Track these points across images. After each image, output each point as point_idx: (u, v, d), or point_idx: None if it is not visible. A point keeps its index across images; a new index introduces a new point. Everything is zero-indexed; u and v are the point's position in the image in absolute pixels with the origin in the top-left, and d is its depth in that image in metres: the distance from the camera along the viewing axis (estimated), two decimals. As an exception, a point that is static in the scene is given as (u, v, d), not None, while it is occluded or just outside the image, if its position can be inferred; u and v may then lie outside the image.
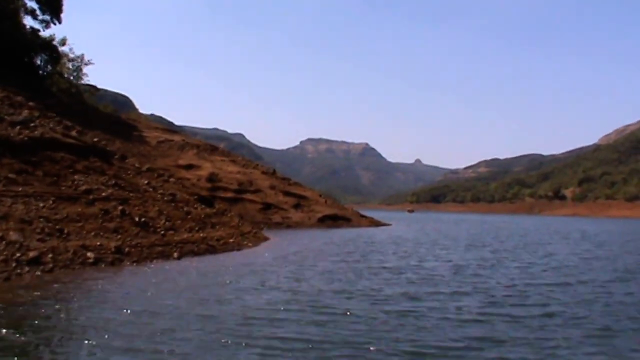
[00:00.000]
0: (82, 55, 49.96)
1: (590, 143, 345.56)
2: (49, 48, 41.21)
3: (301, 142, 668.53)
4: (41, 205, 15.18)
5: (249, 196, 42.46)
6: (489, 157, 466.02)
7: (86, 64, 51.41)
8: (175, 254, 16.23)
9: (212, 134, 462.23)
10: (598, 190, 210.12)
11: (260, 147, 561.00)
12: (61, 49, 48.59)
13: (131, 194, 19.58)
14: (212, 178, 42.33)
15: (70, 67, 51.73)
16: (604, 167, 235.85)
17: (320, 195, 51.06)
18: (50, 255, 12.91)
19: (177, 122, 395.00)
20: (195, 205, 24.34)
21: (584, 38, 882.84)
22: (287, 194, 45.95)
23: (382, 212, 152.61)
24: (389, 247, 22.95)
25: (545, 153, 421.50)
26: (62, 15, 41.58)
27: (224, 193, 41.23)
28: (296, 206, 44.12)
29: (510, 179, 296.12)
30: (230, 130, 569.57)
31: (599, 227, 64.30)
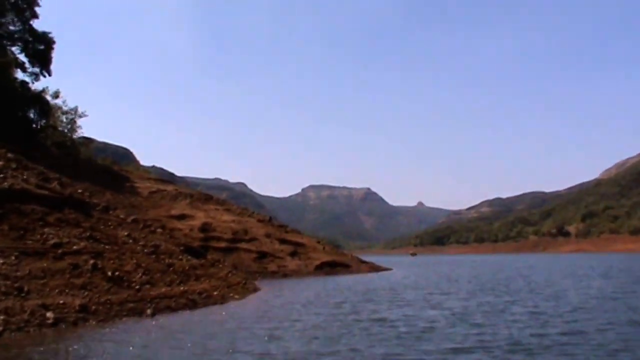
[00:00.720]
0: (76, 107, 49.79)
1: (592, 178, 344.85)
2: (39, 101, 40.97)
3: (303, 189, 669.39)
4: (1, 262, 13.93)
5: (243, 245, 41.06)
6: (491, 197, 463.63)
7: (80, 117, 51.19)
8: (149, 311, 14.81)
9: (213, 184, 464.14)
10: (602, 225, 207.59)
11: (262, 196, 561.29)
12: (54, 101, 48.59)
13: (107, 247, 18.32)
14: (205, 228, 41.08)
15: (64, 119, 51.60)
16: (607, 202, 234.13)
17: (319, 242, 49.57)
18: (1, 317, 11.55)
19: (178, 174, 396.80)
20: (180, 257, 22.99)
21: (580, 72, 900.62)
22: (283, 241, 44.53)
23: (385, 257, 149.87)
24: (385, 294, 21.40)
25: (547, 190, 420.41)
26: (52, 68, 41.60)
27: (218, 243, 39.90)
28: (293, 254, 42.61)
29: (513, 217, 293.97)
30: (231, 180, 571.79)
31: (605, 262, 62.26)
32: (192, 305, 16.79)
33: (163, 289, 17.12)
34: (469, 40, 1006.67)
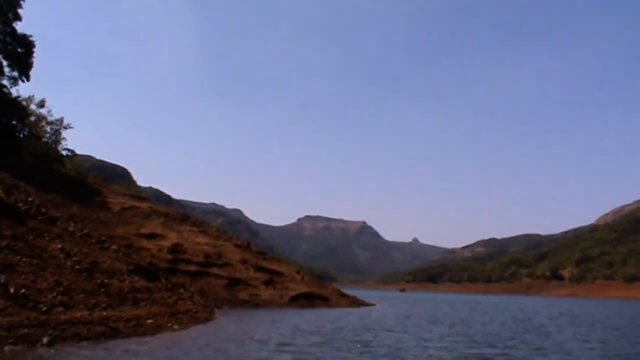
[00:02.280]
0: (62, 118, 48.00)
1: (588, 223, 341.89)
2: (14, 105, 38.87)
3: (298, 219, 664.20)
4: None
5: (215, 270, 38.33)
6: (486, 237, 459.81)
7: (65, 128, 49.34)
8: (45, 339, 12.05)
9: (209, 209, 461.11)
10: (596, 271, 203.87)
11: (257, 224, 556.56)
12: (39, 110, 46.60)
13: (24, 259, 15.64)
14: (175, 249, 38.37)
15: (49, 130, 49.61)
16: (602, 247, 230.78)
17: (298, 272, 46.65)
18: None
19: (175, 196, 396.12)
20: (124, 277, 20.24)
21: (580, 115, 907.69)
22: (259, 269, 41.77)
23: (375, 292, 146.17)
24: (353, 336, 18.57)
25: (542, 233, 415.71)
26: (31, 73, 39.70)
27: (187, 266, 37.18)
28: (268, 283, 39.80)
29: (507, 258, 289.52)
30: (228, 206, 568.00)
31: (600, 308, 59.02)
32: (111, 334, 14.01)
33: (79, 313, 14.36)
34: (471, 74, 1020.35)
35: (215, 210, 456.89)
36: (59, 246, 18.86)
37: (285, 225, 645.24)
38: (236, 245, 46.15)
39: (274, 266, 44.34)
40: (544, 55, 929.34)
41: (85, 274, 17.65)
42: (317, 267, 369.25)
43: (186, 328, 17.45)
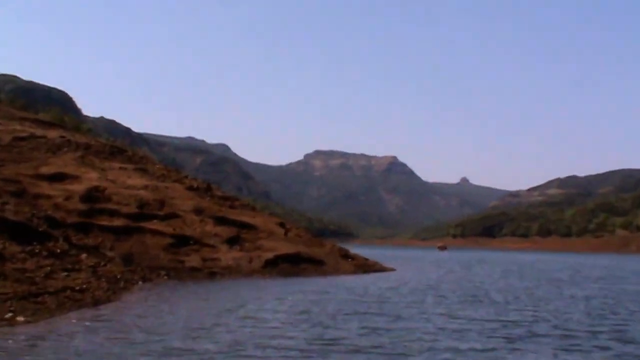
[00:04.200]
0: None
1: None
2: None
3: (306, 156, 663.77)
4: None
5: (153, 224, 35.75)
6: (563, 175, 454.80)
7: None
8: None
9: (184, 145, 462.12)
10: None
11: (250, 163, 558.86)
12: None
13: None
14: (92, 196, 35.61)
15: None
16: None
17: (283, 225, 43.88)
18: None
19: (136, 129, 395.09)
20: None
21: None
22: (221, 221, 39.28)
23: (406, 251, 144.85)
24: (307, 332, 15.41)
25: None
26: None
27: (109, 220, 34.59)
28: (232, 241, 37.34)
29: (594, 203, 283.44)
30: (210, 141, 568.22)
31: None
32: None
33: None
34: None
35: (192, 147, 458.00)
36: None
37: (288, 165, 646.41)
38: (190, 189, 43.53)
39: (245, 217, 41.75)
40: None
41: None
42: (330, 220, 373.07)
43: (36, 321, 14.38)
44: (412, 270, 48.03)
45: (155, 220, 36.48)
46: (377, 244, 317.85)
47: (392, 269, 45.75)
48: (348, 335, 14.30)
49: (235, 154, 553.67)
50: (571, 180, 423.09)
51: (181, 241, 35.34)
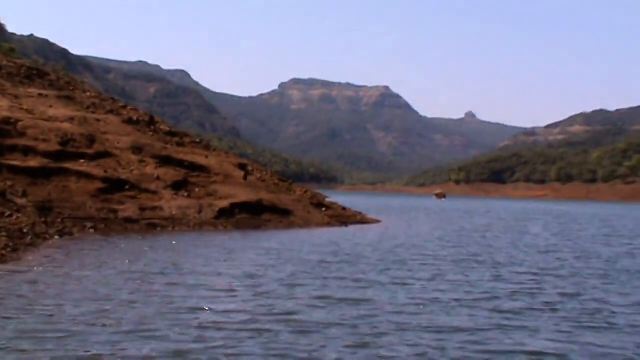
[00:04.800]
0: None
1: None
2: None
3: (281, 86, 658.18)
4: None
5: (79, 165, 34.40)
6: (589, 109, 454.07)
7: None
8: None
9: (135, 70, 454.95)
10: None
11: (215, 94, 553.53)
12: None
13: None
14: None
15: None
16: None
17: (243, 166, 42.55)
18: None
19: (75, 51, 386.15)
20: None
21: None
22: (166, 161, 38.08)
23: (399, 198, 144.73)
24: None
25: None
26: None
27: (23, 159, 33.01)
28: (179, 186, 36.12)
29: (625, 143, 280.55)
30: (166, 66, 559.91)
31: None
32: None
33: None
34: None
35: (145, 73, 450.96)
36: None
37: (260, 96, 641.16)
38: (129, 122, 41.87)
39: (196, 157, 40.39)
40: None
41: None
42: (311, 162, 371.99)
43: None
44: (400, 222, 47.16)
45: (82, 160, 35.00)
46: (366, 190, 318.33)
47: (377, 221, 44.85)
48: (298, 309, 13.04)
49: (196, 83, 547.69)
50: (598, 115, 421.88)
51: (114, 186, 33.97)
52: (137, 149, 37.92)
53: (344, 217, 41.60)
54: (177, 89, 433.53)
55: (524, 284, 17.73)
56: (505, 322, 12.47)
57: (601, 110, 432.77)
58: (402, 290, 15.92)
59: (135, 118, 42.76)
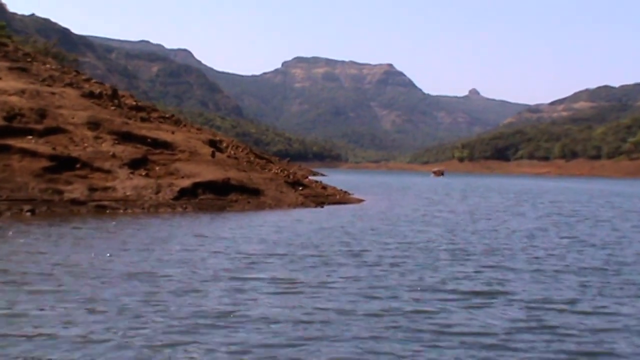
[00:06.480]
0: None
1: None
2: None
3: (285, 64, 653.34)
4: None
5: (24, 142, 31.54)
6: (593, 85, 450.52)
7: None
8: None
9: (137, 50, 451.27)
10: None
11: (218, 73, 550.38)
12: None
13: None
14: (-64, 102, 30.65)
15: None
16: None
17: (213, 142, 39.40)
18: None
19: (77, 30, 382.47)
20: None
21: None
22: (125, 138, 35.03)
23: (401, 177, 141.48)
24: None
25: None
26: None
27: (-38, 134, 29.85)
28: (136, 164, 33.04)
29: (630, 119, 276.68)
30: (169, 46, 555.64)
31: None
32: None
33: None
34: None
35: (147, 53, 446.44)
36: None
37: (264, 75, 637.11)
38: (90, 95, 38.64)
39: (160, 133, 37.23)
40: None
41: None
42: (314, 140, 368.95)
43: None
44: (382, 202, 43.76)
45: (29, 137, 32.02)
46: (370, 168, 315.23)
47: (359, 200, 41.70)
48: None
49: (199, 62, 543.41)
50: (602, 92, 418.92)
51: (63, 164, 31.03)
52: (93, 125, 34.84)
53: (321, 197, 38.50)
54: (180, 68, 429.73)
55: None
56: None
57: (606, 87, 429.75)
58: (336, 293, 12.76)
59: (97, 92, 39.55)
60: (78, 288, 12.21)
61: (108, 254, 16.35)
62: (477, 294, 13.00)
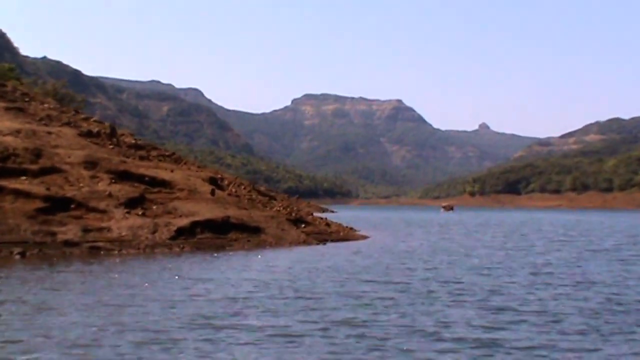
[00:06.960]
0: None
1: None
2: None
3: (294, 102, 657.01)
4: None
5: (18, 183, 30.87)
6: (604, 118, 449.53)
7: None
8: None
9: (148, 90, 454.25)
10: None
11: (228, 111, 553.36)
12: None
13: None
14: None
15: None
16: None
17: (214, 180, 38.66)
18: None
19: (88, 72, 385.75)
20: None
21: None
22: (122, 177, 34.42)
23: (411, 212, 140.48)
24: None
25: None
26: None
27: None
28: (133, 204, 32.25)
29: None
30: (179, 85, 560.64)
31: None
32: None
33: None
34: None
35: (158, 92, 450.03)
36: None
37: (274, 112, 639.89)
38: (87, 135, 38.14)
39: (159, 171, 36.63)
40: None
41: None
42: (324, 177, 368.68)
43: None
44: (388, 238, 42.64)
45: (23, 177, 31.44)
46: (381, 204, 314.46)
47: (364, 237, 40.70)
48: None
49: (209, 101, 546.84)
50: (613, 124, 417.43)
51: (57, 205, 30.35)
52: (90, 164, 34.27)
53: (324, 234, 37.60)
54: (190, 107, 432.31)
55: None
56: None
57: (616, 119, 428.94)
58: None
59: (95, 131, 39.06)
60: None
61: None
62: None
